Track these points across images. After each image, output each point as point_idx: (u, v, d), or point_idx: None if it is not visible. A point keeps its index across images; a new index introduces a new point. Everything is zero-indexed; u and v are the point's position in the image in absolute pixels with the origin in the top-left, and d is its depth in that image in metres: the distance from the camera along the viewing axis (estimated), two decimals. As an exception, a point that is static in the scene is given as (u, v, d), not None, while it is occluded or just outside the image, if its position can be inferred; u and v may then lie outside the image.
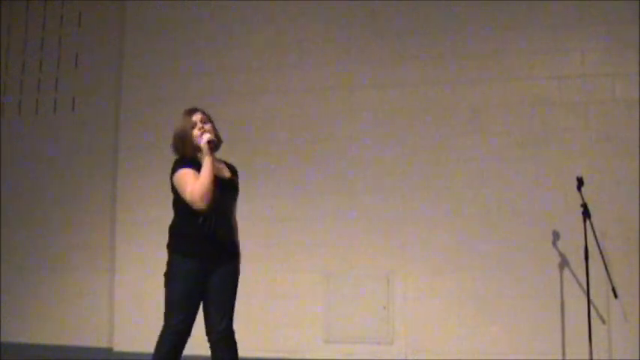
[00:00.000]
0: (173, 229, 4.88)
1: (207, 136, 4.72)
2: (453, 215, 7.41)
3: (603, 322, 6.87)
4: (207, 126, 4.87)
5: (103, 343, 8.22)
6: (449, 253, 7.38)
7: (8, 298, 8.59)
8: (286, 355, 7.56)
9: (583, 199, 6.41)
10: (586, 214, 6.39)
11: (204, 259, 4.76)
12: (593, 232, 6.36)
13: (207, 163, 4.65)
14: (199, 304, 4.80)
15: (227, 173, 4.99)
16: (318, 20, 8.07)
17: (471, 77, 7.54)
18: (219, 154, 4.96)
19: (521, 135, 7.35)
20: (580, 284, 6.87)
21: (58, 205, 8.62)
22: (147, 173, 8.20)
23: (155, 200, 7.98)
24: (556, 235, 7.09)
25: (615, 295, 6.48)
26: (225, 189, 4.84)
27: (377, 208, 7.61)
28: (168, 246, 4.85)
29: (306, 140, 7.90)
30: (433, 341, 7.34)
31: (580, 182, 6.44)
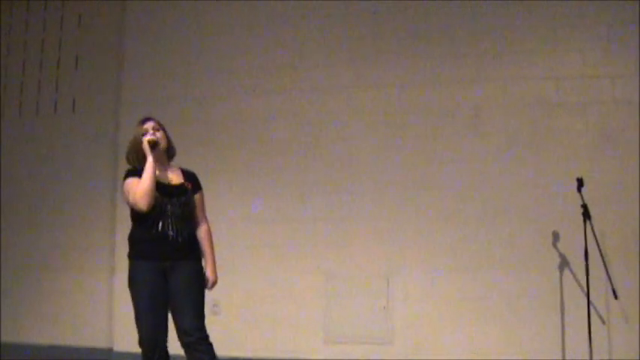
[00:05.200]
0: (129, 238, 4.97)
1: (146, 137, 4.86)
2: (452, 216, 7.41)
3: (603, 322, 6.86)
4: (159, 133, 4.98)
5: (102, 344, 8.23)
6: (449, 253, 7.38)
7: (8, 298, 8.60)
8: (286, 356, 7.56)
9: (583, 199, 6.43)
10: (586, 214, 6.41)
11: (156, 259, 4.78)
12: (593, 232, 6.37)
13: (147, 164, 4.78)
14: (164, 307, 4.80)
15: (175, 179, 5.01)
16: (318, 20, 8.06)
17: (470, 78, 7.54)
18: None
19: (521, 135, 7.35)
20: (580, 285, 6.87)
21: (58, 205, 8.63)
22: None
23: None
24: (556, 236, 7.09)
25: (615, 296, 6.47)
26: (169, 194, 4.86)
27: (377, 208, 7.61)
28: (128, 255, 4.96)
29: (305, 141, 7.90)
30: (433, 341, 7.34)
31: (580, 183, 6.46)
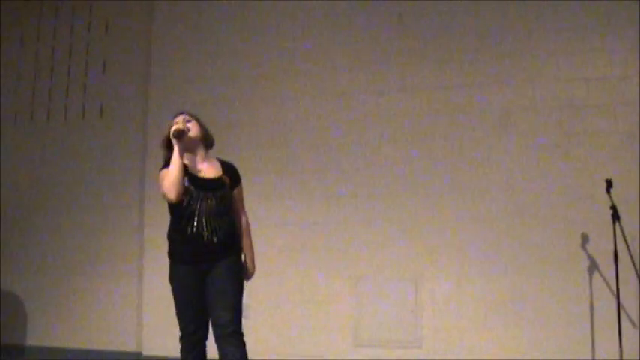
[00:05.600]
0: (167, 235, 4.98)
1: (173, 127, 4.78)
2: (481, 218, 7.38)
3: (633, 325, 6.81)
4: (190, 124, 4.93)
5: (131, 348, 8.26)
6: (477, 256, 7.36)
7: (37, 301, 8.66)
8: (315, 359, 7.57)
9: (612, 201, 6.39)
10: (615, 216, 6.36)
11: (193, 261, 4.79)
12: (623, 234, 6.34)
13: (173, 155, 4.72)
14: (203, 306, 4.83)
15: (212, 173, 4.93)
16: (345, 24, 8.07)
17: (499, 79, 7.51)
18: (221, 155, 5.06)
19: (550, 137, 7.31)
20: (609, 287, 6.82)
21: (87, 209, 8.67)
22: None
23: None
24: (585, 238, 7.04)
25: (645, 298, 6.46)
26: (204, 188, 4.80)
27: (405, 212, 7.60)
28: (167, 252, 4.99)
29: (334, 144, 7.90)
30: (461, 345, 7.32)
31: (609, 185, 6.43)
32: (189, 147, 4.86)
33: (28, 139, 9.11)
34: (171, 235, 4.92)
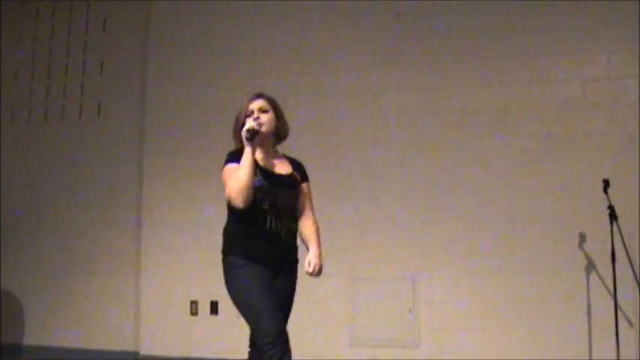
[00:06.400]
0: (226, 230, 4.40)
1: (246, 126, 4.24)
2: (478, 218, 7.38)
3: (630, 325, 6.81)
4: (264, 116, 4.43)
5: (129, 347, 8.25)
6: (474, 256, 7.35)
7: (34, 301, 8.65)
8: (312, 358, 7.55)
9: (609, 201, 6.38)
10: (613, 216, 6.36)
11: (265, 259, 4.27)
12: (620, 234, 6.33)
13: (244, 156, 4.17)
14: (277, 297, 4.35)
15: (284, 169, 4.45)
16: (342, 24, 8.06)
17: (496, 79, 7.51)
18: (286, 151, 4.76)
19: (547, 137, 7.31)
20: (607, 287, 6.82)
21: (84, 209, 8.65)
22: (172, 178, 8.23)
23: (180, 204, 8.04)
24: (582, 238, 7.04)
25: (643, 298, 6.45)
26: (278, 185, 4.30)
27: (402, 211, 7.59)
28: (222, 251, 4.36)
29: (331, 144, 7.89)
30: (459, 344, 7.31)
31: (606, 184, 6.43)
32: (260, 142, 4.35)
33: (25, 139, 9.09)
34: (237, 230, 4.29)
